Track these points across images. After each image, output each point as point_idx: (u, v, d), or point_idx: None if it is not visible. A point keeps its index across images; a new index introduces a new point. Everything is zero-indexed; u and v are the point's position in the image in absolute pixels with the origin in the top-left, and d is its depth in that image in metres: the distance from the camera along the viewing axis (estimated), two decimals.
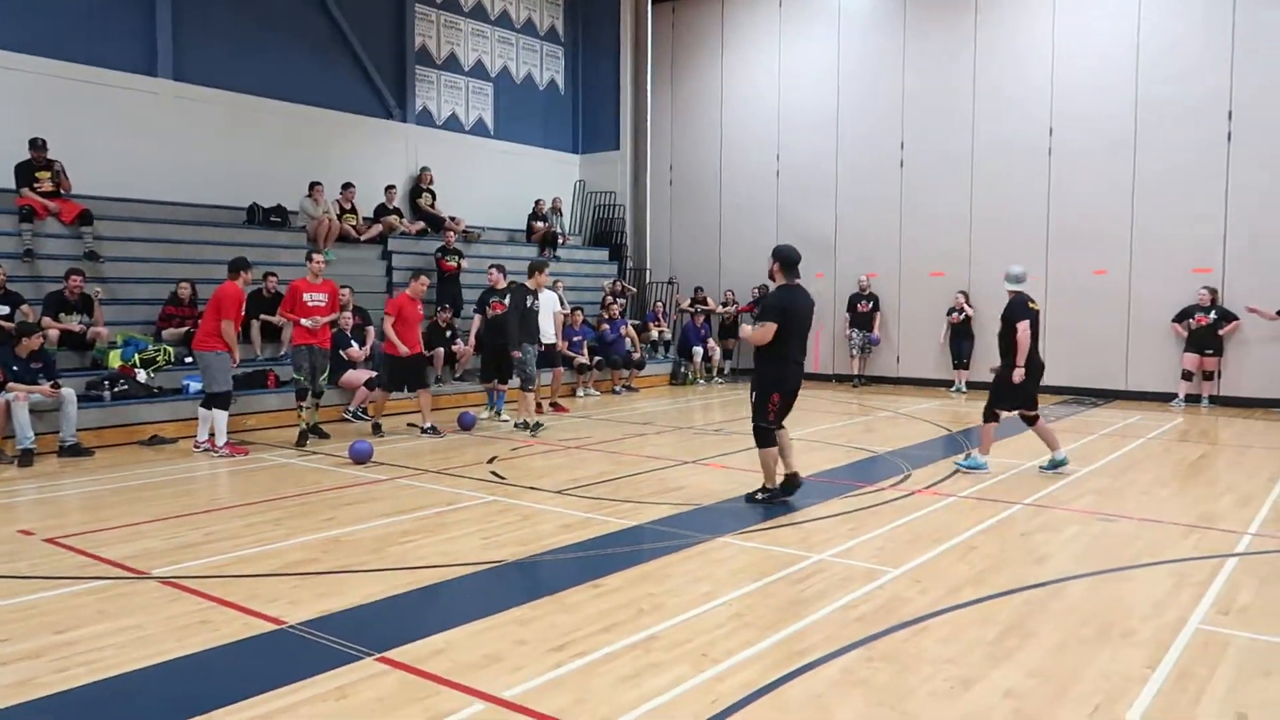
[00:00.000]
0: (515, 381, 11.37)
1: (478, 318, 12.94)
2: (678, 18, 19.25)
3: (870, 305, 16.45)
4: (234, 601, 4.82)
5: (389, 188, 15.74)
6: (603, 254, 19.20)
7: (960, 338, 15.51)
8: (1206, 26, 13.65)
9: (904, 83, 16.37)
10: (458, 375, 13.82)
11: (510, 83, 18.63)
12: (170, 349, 11.15)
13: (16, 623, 4.54)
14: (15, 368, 9.08)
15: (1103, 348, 14.50)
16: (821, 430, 11.26)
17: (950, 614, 4.65)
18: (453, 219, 16.01)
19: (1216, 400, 13.59)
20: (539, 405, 12.66)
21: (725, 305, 17.84)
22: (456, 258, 14.94)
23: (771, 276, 7.16)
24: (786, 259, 7.07)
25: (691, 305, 17.62)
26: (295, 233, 14.01)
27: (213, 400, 9.50)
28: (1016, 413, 8.49)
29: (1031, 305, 8.35)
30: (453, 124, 17.55)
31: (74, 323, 10.56)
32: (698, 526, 6.41)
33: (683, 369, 17.17)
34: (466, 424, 11.11)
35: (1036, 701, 3.65)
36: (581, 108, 20.01)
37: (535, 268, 11.29)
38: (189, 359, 10.97)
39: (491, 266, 12.49)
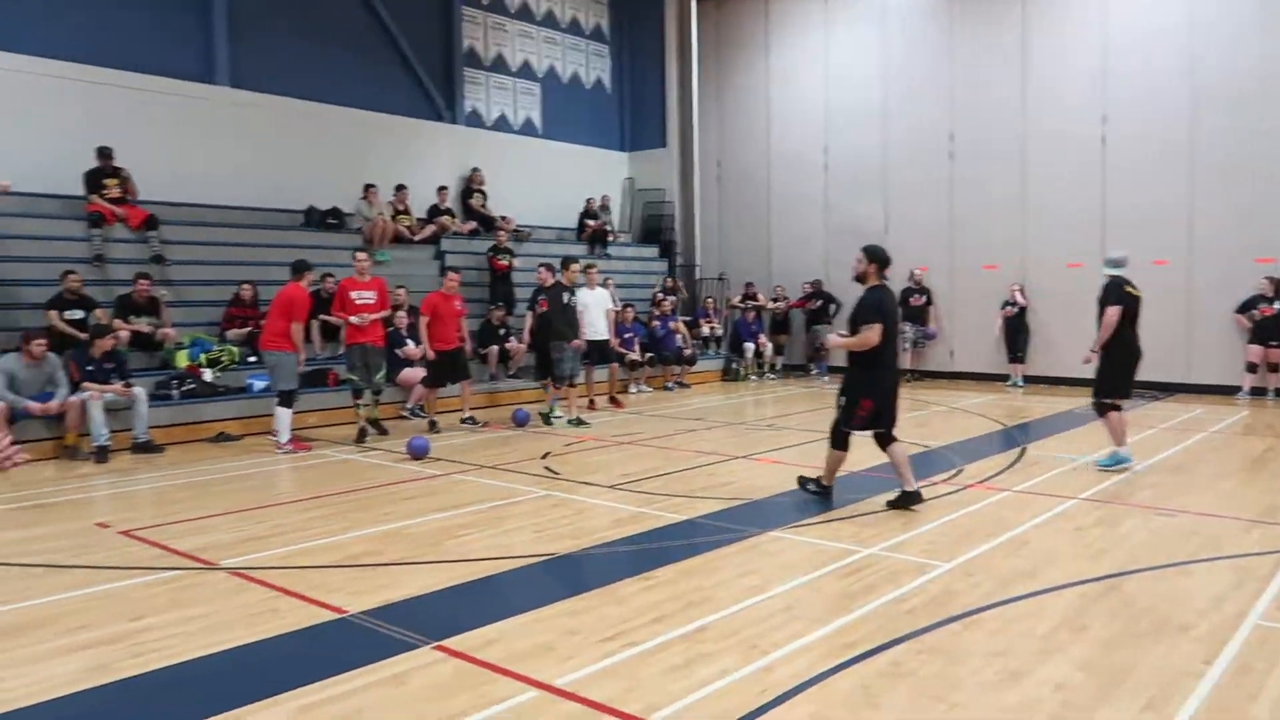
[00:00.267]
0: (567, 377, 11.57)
1: (530, 315, 13.12)
2: (722, 15, 19.22)
3: (923, 299, 16.27)
4: (298, 591, 4.99)
5: (441, 188, 16.00)
6: (652, 251, 19.27)
7: (1015, 331, 15.28)
8: (1264, 6, 13.25)
9: (952, 73, 16.15)
10: (511, 372, 14.01)
11: (557, 82, 18.79)
12: (234, 349, 11.50)
13: (94, 610, 4.76)
14: (90, 368, 9.46)
15: (1163, 340, 14.04)
16: None
17: (1001, 608, 4.63)
18: (503, 218, 16.22)
19: None
20: (591, 401, 12.82)
21: (776, 301, 17.80)
22: (508, 256, 15.14)
23: (861, 279, 6.84)
24: (881, 258, 6.78)
25: (742, 301, 17.61)
26: (351, 234, 14.32)
27: (280, 398, 9.79)
28: (1102, 401, 8.10)
29: (1130, 291, 7.96)
30: (501, 124, 17.76)
31: (143, 324, 10.94)
32: (748, 521, 6.45)
33: (734, 365, 17.17)
34: (521, 421, 11.28)
35: (1087, 694, 3.64)
36: (628, 106, 20.10)
37: (564, 263, 11.46)
38: (252, 358, 11.32)
39: (540, 265, 12.63)
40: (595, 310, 12.82)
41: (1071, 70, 14.93)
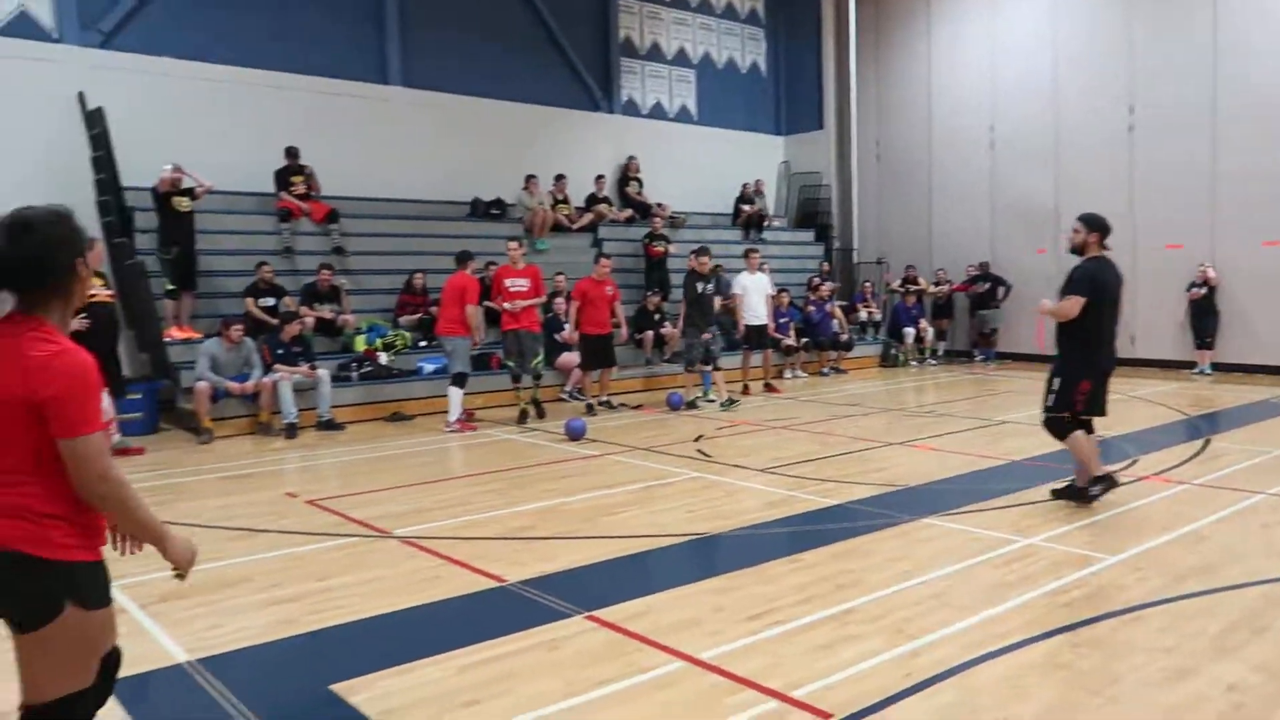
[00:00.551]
0: (720, 362, 11.71)
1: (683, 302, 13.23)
2: None
3: None
4: (462, 560, 5.31)
5: (598, 177, 16.35)
6: (808, 235, 19.03)
7: (1203, 314, 14.16)
8: None
9: (1131, 38, 15.04)
10: (666, 357, 14.20)
11: (712, 68, 18.80)
12: (407, 334, 12.22)
13: (283, 571, 5.24)
14: (280, 351, 10.29)
15: None
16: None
17: (1171, 604, 4.39)
18: (659, 205, 16.41)
19: None
20: (745, 386, 12.84)
21: (937, 285, 17.21)
22: (663, 243, 15.32)
23: (1079, 250, 6.26)
24: (1102, 226, 6.22)
25: (902, 285, 17.14)
26: (513, 224, 14.86)
27: (454, 379, 10.34)
28: None
29: None
30: (657, 112, 17.95)
31: (326, 311, 11.78)
32: (901, 507, 6.35)
33: (893, 350, 16.76)
34: (675, 404, 11.45)
35: (1262, 698, 3.42)
36: (784, 89, 19.86)
37: (696, 252, 11.54)
38: (423, 343, 11.99)
39: (691, 252, 12.74)
40: (755, 295, 12.82)
41: (1269, 25, 13.57)
